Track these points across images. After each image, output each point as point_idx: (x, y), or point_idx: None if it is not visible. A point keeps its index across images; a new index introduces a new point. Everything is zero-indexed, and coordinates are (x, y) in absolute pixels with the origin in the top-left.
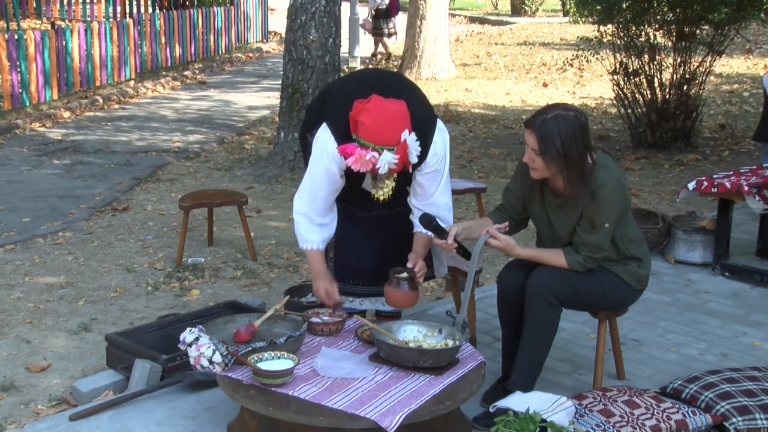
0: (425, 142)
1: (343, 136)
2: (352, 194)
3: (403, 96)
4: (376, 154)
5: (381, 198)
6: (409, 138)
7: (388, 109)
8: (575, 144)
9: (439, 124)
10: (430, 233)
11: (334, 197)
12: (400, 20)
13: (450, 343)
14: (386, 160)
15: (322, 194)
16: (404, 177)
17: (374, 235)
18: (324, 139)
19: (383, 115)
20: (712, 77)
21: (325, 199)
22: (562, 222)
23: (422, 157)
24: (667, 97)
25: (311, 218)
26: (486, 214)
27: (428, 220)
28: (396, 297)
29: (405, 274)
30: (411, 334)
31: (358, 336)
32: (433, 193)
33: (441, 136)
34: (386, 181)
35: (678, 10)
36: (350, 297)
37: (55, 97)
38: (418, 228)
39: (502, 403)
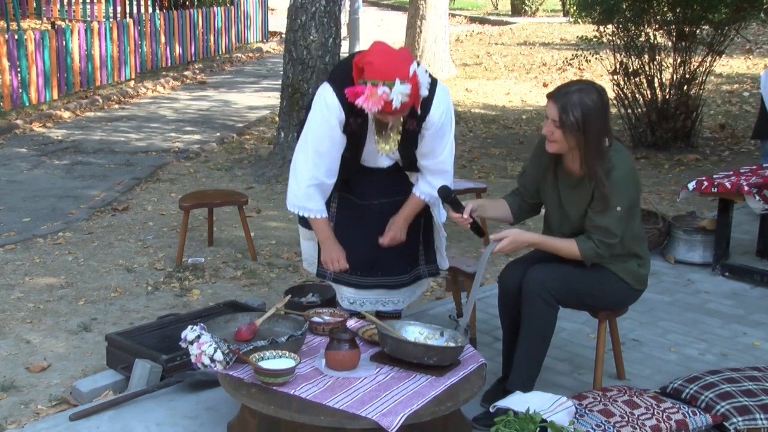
0: (430, 93)
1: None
2: (352, 170)
3: None
4: (387, 89)
5: (387, 150)
6: (419, 69)
7: (392, 49)
8: (595, 119)
9: (440, 82)
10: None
11: (339, 155)
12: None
13: (452, 344)
14: (399, 92)
15: (323, 149)
16: (407, 151)
17: (374, 225)
18: (324, 93)
19: (388, 52)
20: (712, 77)
21: (329, 154)
22: (573, 204)
23: (425, 110)
24: (667, 97)
25: (323, 182)
26: (502, 196)
27: (446, 193)
28: (334, 359)
29: (346, 335)
30: (412, 335)
31: (359, 336)
32: (442, 152)
33: (443, 90)
34: (392, 135)
35: (678, 10)
36: (351, 288)
37: (55, 97)
38: (418, 191)
39: (502, 403)
